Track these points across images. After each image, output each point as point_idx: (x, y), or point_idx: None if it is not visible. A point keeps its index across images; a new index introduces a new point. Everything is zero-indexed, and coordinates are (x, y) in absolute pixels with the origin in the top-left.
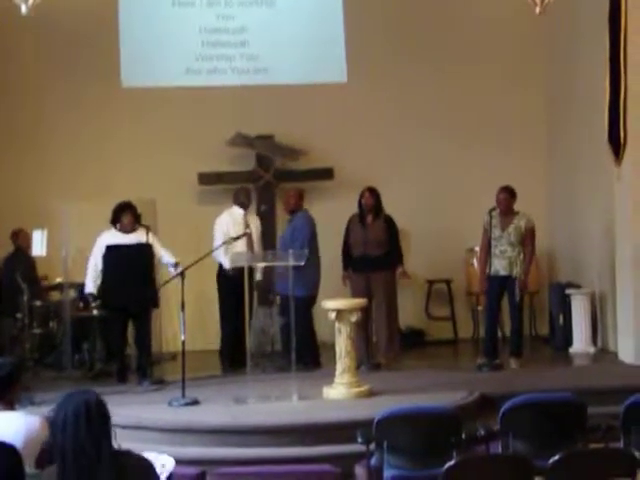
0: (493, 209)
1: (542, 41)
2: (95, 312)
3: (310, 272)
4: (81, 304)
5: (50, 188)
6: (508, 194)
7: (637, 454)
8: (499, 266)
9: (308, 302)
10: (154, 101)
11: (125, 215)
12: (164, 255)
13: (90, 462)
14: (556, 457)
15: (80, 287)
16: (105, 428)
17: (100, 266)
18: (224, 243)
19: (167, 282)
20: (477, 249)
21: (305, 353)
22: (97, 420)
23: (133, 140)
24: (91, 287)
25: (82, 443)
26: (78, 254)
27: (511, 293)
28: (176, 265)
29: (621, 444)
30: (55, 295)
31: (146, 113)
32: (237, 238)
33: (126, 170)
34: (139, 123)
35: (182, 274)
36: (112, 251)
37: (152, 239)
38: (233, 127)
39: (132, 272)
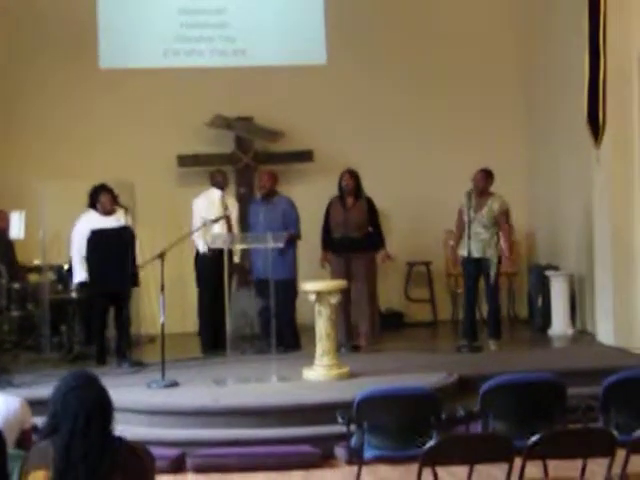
0: (471, 191)
1: (521, 22)
2: (74, 295)
3: (292, 255)
4: (60, 286)
5: (26, 169)
6: (485, 174)
7: (616, 434)
8: (473, 248)
9: (292, 284)
10: (132, 82)
11: (103, 195)
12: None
13: (94, 455)
14: (535, 437)
15: (58, 269)
16: (110, 420)
17: (84, 252)
18: (203, 225)
19: (146, 263)
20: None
21: (286, 335)
22: (108, 418)
23: (111, 121)
24: (83, 275)
25: (92, 444)
26: (55, 236)
27: (486, 275)
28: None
29: (600, 424)
30: (33, 277)
31: (124, 94)
32: (216, 220)
33: (104, 152)
34: (117, 104)
35: (161, 256)
36: (93, 234)
37: (129, 222)
38: (212, 109)
39: (114, 255)
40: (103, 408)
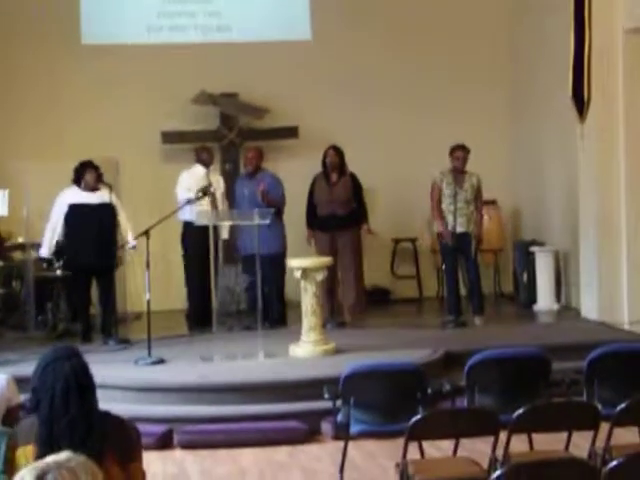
0: (452, 169)
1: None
2: (58, 272)
3: (281, 229)
4: (44, 265)
5: (9, 147)
6: (466, 151)
7: (600, 407)
8: (457, 223)
9: (281, 258)
10: (116, 58)
11: (88, 172)
12: (124, 226)
13: (78, 429)
14: (520, 411)
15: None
16: (93, 394)
17: (59, 227)
18: (188, 202)
19: (128, 243)
20: (443, 207)
21: (274, 311)
22: (87, 390)
23: (95, 98)
24: (46, 252)
25: (72, 418)
26: (38, 213)
27: (468, 249)
28: (133, 247)
29: (584, 397)
30: (17, 255)
31: (108, 71)
32: (203, 195)
33: (88, 129)
34: (100, 81)
35: (147, 233)
36: (76, 210)
37: (115, 201)
38: (197, 85)
39: (96, 231)
40: (80, 380)
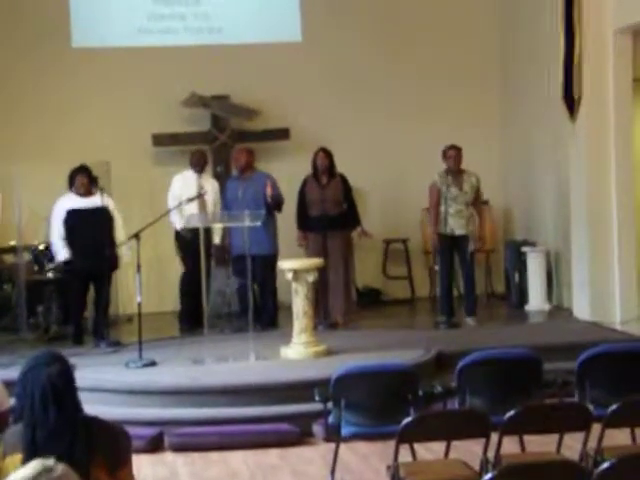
0: (447, 170)
1: None
2: (50, 275)
3: (273, 230)
4: (36, 267)
5: (0, 151)
6: (460, 151)
7: (591, 408)
8: (456, 225)
9: (273, 260)
10: (107, 61)
11: (78, 176)
12: (119, 228)
13: (63, 436)
14: (512, 412)
15: (34, 250)
16: (74, 400)
17: (62, 232)
18: (178, 205)
19: (122, 244)
20: (442, 210)
21: (266, 313)
22: (66, 397)
23: (87, 101)
24: (63, 255)
25: (53, 425)
26: (31, 217)
27: (464, 251)
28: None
29: (576, 398)
30: (9, 258)
31: (99, 74)
32: (192, 199)
33: (80, 132)
34: (92, 84)
35: (137, 236)
36: (72, 215)
37: (109, 203)
38: (188, 87)
39: (92, 236)
40: (56, 387)
